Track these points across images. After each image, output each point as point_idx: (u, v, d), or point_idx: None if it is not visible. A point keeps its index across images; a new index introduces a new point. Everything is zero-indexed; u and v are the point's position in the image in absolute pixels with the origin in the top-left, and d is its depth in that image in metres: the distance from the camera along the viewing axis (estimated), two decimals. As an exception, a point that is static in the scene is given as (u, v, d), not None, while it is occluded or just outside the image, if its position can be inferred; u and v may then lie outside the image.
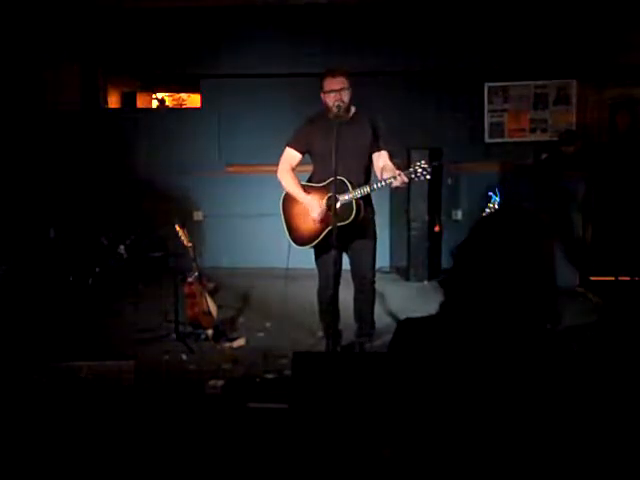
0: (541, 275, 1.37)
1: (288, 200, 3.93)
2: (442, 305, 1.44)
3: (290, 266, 3.97)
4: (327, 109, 3.78)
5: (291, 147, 3.92)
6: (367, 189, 3.66)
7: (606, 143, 6.25)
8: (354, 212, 3.68)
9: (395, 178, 3.58)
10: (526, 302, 1.35)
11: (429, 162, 3.67)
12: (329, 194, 3.70)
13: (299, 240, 3.91)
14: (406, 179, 3.60)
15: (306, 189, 3.87)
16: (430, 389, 1.36)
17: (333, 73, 3.72)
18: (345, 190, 3.66)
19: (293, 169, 3.93)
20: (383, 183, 3.65)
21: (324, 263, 3.89)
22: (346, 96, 3.72)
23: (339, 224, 3.57)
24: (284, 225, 3.95)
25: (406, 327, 1.47)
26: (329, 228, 3.72)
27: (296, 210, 3.88)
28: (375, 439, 1.48)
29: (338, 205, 3.65)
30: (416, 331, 1.44)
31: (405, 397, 1.39)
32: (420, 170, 3.58)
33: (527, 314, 1.36)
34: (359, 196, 3.67)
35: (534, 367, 1.33)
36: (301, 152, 3.91)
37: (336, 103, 3.66)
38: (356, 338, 4.17)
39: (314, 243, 3.85)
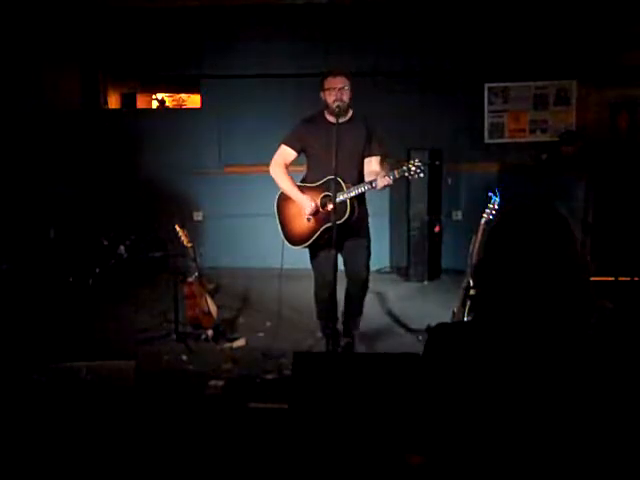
0: (575, 271, 1.33)
1: (283, 200, 3.95)
2: (476, 311, 1.41)
3: (289, 266, 3.99)
4: (326, 108, 3.80)
5: (287, 145, 3.93)
6: (361, 188, 3.67)
7: (606, 143, 6.24)
8: (348, 211, 3.69)
9: (376, 181, 3.61)
10: (562, 301, 1.31)
11: (424, 161, 3.67)
12: (324, 193, 3.74)
13: (293, 240, 3.92)
14: (389, 181, 3.59)
15: (301, 189, 3.88)
16: (470, 395, 1.32)
17: (334, 73, 3.76)
18: (340, 189, 3.66)
19: (286, 167, 3.94)
20: (368, 186, 3.66)
21: (319, 263, 3.91)
22: (346, 95, 3.74)
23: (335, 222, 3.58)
24: (278, 225, 3.96)
25: (441, 333, 1.42)
26: (323, 228, 3.74)
27: (292, 210, 3.90)
28: (400, 444, 1.45)
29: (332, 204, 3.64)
30: (452, 337, 1.40)
31: (443, 403, 1.35)
32: (414, 168, 3.57)
33: (565, 314, 1.31)
34: (353, 195, 3.68)
35: (575, 371, 1.29)
36: (296, 151, 3.93)
37: (336, 102, 3.68)
38: (342, 334, 4.19)
39: (308, 243, 3.86)
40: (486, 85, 6.47)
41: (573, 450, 1.28)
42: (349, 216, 3.70)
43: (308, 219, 3.83)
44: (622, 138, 6.01)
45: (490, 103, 6.50)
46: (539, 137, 6.45)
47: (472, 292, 3.69)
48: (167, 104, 8.41)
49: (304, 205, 3.80)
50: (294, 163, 4.00)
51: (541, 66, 6.29)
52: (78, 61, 6.68)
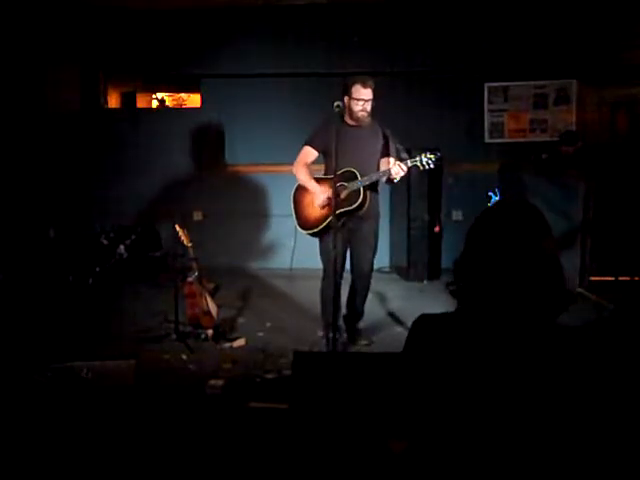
0: (548, 264, 1.38)
1: (299, 190, 4.14)
2: (458, 303, 1.46)
3: (291, 266, 4.00)
4: (347, 112, 3.92)
5: (310, 146, 4.10)
6: (375, 177, 3.91)
7: (606, 143, 6.24)
8: (361, 198, 3.89)
9: (390, 170, 3.86)
10: (537, 291, 1.36)
11: (436, 155, 3.90)
12: (339, 183, 3.91)
13: (306, 225, 4.09)
14: (405, 168, 3.86)
15: (317, 180, 4.08)
16: (450, 384, 1.36)
17: (364, 83, 3.88)
18: (355, 179, 3.89)
19: (308, 165, 4.14)
20: (382, 175, 3.92)
21: (329, 253, 3.92)
22: (370, 106, 3.91)
23: (346, 208, 3.90)
24: (293, 212, 4.13)
25: (423, 323, 1.48)
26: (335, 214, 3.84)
27: (306, 199, 4.09)
28: (382, 433, 1.48)
29: (346, 192, 3.91)
30: (433, 328, 1.45)
31: (424, 392, 1.40)
32: (425, 160, 3.84)
33: (539, 305, 1.36)
34: (367, 183, 3.89)
35: (550, 362, 1.33)
36: (318, 151, 4.10)
37: (361, 112, 3.88)
38: (347, 336, 4.33)
39: (320, 227, 3.99)
40: (486, 85, 6.48)
41: (550, 435, 1.31)
42: (361, 203, 3.89)
43: (322, 207, 3.99)
44: (622, 137, 6.01)
45: (490, 103, 6.51)
46: (539, 137, 6.45)
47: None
48: (167, 104, 8.41)
49: (317, 197, 3.98)
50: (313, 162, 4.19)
51: (541, 66, 6.29)
52: (78, 61, 6.68)
